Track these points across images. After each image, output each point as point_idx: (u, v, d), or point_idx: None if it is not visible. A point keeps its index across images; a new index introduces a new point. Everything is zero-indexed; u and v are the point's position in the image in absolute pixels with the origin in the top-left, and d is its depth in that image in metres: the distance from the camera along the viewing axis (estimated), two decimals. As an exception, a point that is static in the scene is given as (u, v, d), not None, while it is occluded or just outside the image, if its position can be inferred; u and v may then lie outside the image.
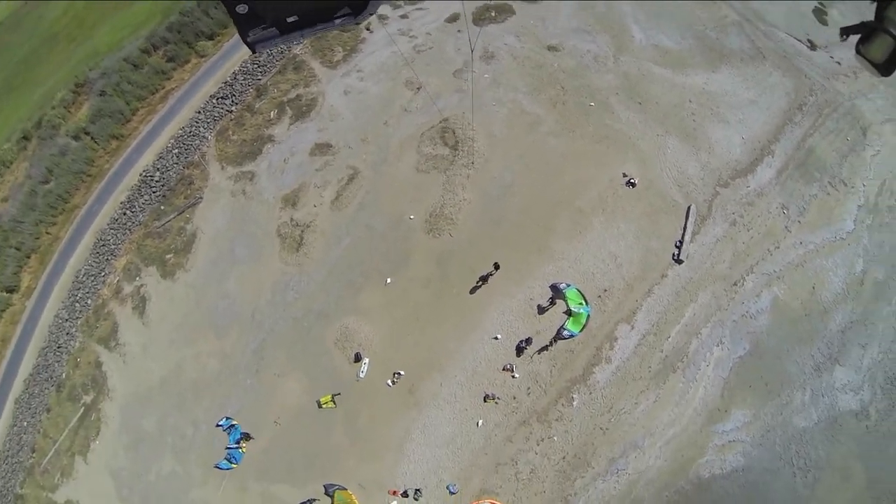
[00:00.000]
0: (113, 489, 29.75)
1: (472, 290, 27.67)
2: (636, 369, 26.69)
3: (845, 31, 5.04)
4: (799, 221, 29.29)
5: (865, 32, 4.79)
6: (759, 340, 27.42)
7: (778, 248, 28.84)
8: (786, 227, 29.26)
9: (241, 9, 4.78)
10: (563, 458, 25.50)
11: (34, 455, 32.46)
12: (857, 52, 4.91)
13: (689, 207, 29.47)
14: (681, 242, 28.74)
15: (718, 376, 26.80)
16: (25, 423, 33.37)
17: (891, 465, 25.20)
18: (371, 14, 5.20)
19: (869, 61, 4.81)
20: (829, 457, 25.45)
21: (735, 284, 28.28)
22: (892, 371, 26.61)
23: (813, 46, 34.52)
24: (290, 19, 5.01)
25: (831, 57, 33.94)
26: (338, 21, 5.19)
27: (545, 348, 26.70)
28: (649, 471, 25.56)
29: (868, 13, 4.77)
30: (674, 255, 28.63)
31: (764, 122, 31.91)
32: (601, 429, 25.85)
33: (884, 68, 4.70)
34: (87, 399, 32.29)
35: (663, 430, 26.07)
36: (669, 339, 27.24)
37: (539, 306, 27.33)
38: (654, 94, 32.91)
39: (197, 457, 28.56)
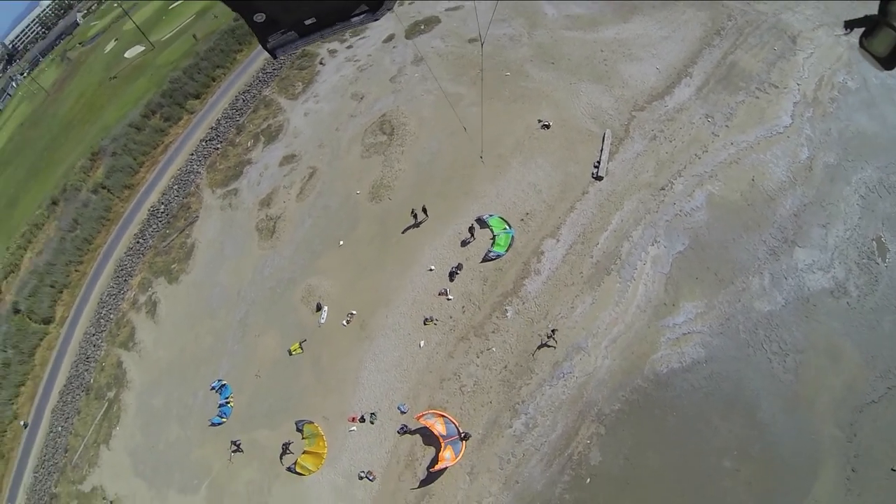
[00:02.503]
0: (130, 466, 32.38)
1: (404, 231, 30.87)
2: (567, 276, 27.75)
3: (849, 25, 4.87)
4: (727, 126, 30.26)
5: (869, 26, 4.67)
6: (698, 234, 27.40)
7: (706, 151, 29.67)
8: (712, 132, 30.25)
9: (259, 17, 4.77)
10: (505, 367, 26.46)
11: (66, 454, 35.75)
12: (861, 45, 4.78)
13: (605, 133, 31.42)
14: (598, 162, 30.51)
15: (659, 272, 26.86)
16: (60, 428, 37.02)
17: (888, 341, 23.83)
18: (388, 10, 5.12)
19: (872, 55, 4.68)
20: (809, 338, 24.36)
21: (663, 189, 29.10)
22: (867, 247, 25.76)
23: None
24: (307, 22, 4.96)
25: None
26: (356, 20, 5.11)
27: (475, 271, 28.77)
28: (598, 372, 25.49)
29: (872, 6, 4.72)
30: (593, 173, 30.32)
31: (679, 51, 33.82)
32: (539, 335, 26.56)
33: (887, 62, 4.53)
34: (111, 395, 36.01)
35: (606, 330, 26.15)
36: (598, 246, 28.15)
37: (462, 241, 29.86)
38: (566, 53, 36.02)
39: (196, 421, 31.47)
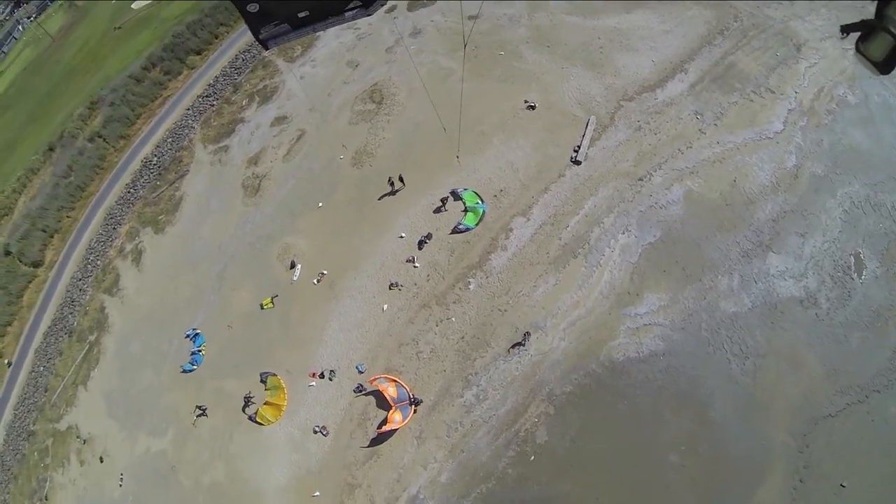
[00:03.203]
0: (105, 408, 33.25)
1: (381, 197, 31.14)
2: (533, 255, 27.93)
3: (845, 29, 4.85)
4: (715, 125, 30.00)
5: (865, 30, 4.63)
6: (671, 228, 27.27)
7: (690, 147, 29.44)
8: (699, 129, 29.97)
9: (252, 7, 4.74)
10: (462, 338, 26.94)
11: (46, 394, 36.56)
12: (857, 49, 4.71)
13: (589, 119, 31.20)
14: (578, 147, 30.37)
15: (626, 261, 26.89)
16: (42, 368, 37.80)
17: (853, 357, 23.79)
18: (381, 6, 5.14)
19: (868, 59, 4.62)
20: (772, 344, 24.34)
21: (641, 180, 28.97)
22: (843, 261, 25.64)
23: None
24: (301, 15, 4.94)
25: None
26: (349, 14, 5.10)
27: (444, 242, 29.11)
28: (554, 352, 25.71)
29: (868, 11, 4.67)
30: (572, 157, 30.22)
31: (677, 46, 33.22)
32: (499, 310, 27.07)
33: (883, 66, 4.49)
34: (92, 338, 36.87)
35: (566, 312, 26.29)
36: (568, 229, 28.23)
37: (435, 209, 30.11)
38: (562, 38, 35.55)
39: (169, 368, 32.39)
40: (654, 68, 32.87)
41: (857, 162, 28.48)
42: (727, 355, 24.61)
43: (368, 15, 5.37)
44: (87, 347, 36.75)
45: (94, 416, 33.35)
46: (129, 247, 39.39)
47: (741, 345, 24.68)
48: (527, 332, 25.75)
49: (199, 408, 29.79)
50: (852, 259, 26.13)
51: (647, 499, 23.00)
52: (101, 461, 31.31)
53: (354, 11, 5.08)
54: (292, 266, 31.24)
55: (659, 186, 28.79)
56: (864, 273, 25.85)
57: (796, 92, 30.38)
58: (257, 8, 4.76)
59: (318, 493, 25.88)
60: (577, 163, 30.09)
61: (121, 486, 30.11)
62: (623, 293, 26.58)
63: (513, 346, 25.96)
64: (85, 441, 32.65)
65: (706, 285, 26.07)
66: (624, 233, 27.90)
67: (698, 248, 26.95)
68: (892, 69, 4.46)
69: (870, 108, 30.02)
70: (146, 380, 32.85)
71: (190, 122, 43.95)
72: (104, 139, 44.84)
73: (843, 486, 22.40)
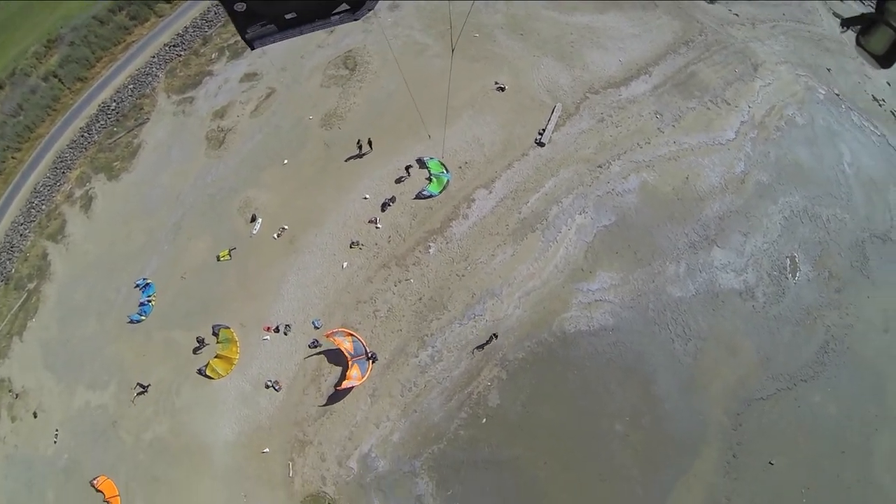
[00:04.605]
0: (41, 359, 30.87)
1: (347, 159, 30.47)
2: (493, 226, 28.38)
3: (846, 23, 4.81)
4: (673, 126, 31.15)
5: (866, 24, 4.60)
6: (626, 214, 28.32)
7: (649, 143, 30.50)
8: (658, 128, 31.06)
9: (239, 7, 4.57)
10: (420, 299, 27.05)
11: (-26, 346, 33.58)
12: (858, 43, 4.69)
13: (556, 105, 31.73)
14: (543, 130, 30.91)
15: (581, 240, 27.79)
16: (-29, 320, 34.80)
17: (784, 348, 25.69)
18: (369, 10, 4.95)
19: (869, 53, 4.60)
20: (713, 330, 25.85)
21: (600, 167, 29.81)
22: (780, 262, 27.39)
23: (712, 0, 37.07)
24: (288, 16, 4.84)
25: (730, 10, 36.76)
26: (335, 18, 4.98)
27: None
28: (508, 319, 26.31)
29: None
30: (536, 139, 30.70)
31: (644, 50, 34.22)
32: (457, 275, 27.38)
33: (884, 60, 4.47)
34: (31, 286, 34.31)
35: (522, 282, 26.95)
36: (528, 204, 28.78)
37: (398, 179, 29.84)
38: (536, 29, 35.82)
39: (116, 317, 30.56)
40: (620, 67, 33.81)
41: (799, 176, 30.50)
42: (671, 335, 25.94)
43: (356, 19, 5.20)
44: (24, 296, 34.14)
45: (29, 368, 31.05)
46: (78, 192, 36.84)
47: (684, 327, 26.06)
48: (494, 335, 25.79)
49: (141, 385, 27.88)
50: (788, 261, 28.18)
51: (593, 466, 24.04)
52: (35, 416, 29.27)
53: (341, 15, 4.96)
54: (253, 219, 30.11)
55: (616, 175, 29.77)
56: (797, 275, 27.96)
57: (749, 106, 32.07)
58: (244, 7, 4.60)
59: (267, 450, 25.36)
60: (542, 145, 30.70)
61: (55, 443, 28.25)
62: (577, 269, 27.37)
63: (477, 348, 25.97)
64: (17, 395, 30.33)
65: (655, 270, 27.29)
66: (581, 214, 28.69)
67: (650, 234, 28.12)
68: (893, 63, 4.47)
69: (815, 131, 32.22)
70: (89, 330, 30.92)
71: (154, 70, 41.37)
72: (59, 79, 41.62)
73: (772, 464, 24.32)
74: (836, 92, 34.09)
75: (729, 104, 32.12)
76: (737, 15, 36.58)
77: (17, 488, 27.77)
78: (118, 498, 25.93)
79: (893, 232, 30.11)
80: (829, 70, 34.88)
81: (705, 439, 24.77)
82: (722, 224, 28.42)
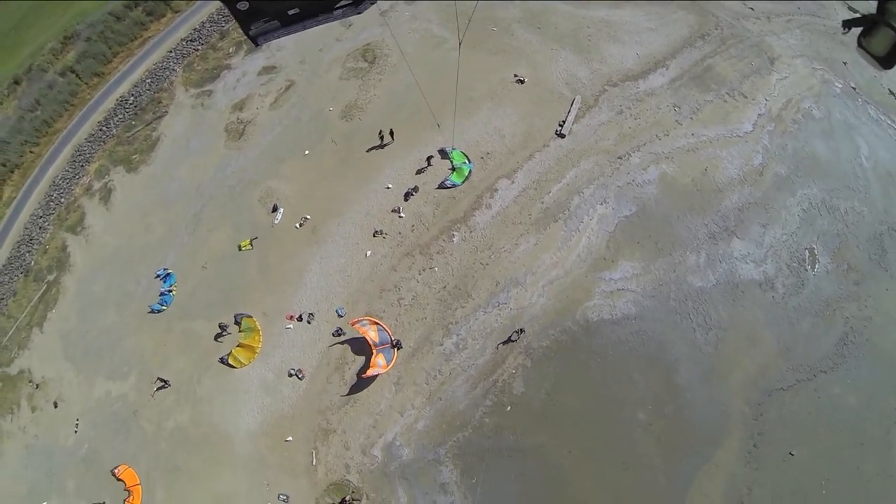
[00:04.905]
0: (61, 350, 30.79)
1: (369, 150, 30.43)
2: (516, 215, 28.36)
3: (847, 24, 4.70)
4: (691, 118, 31.14)
5: (867, 25, 4.53)
6: (646, 205, 28.37)
7: (667, 135, 30.52)
8: (676, 120, 31.08)
9: (242, 5, 4.57)
10: (444, 287, 27.00)
11: (-4, 337, 33.55)
12: (859, 44, 4.63)
13: (575, 98, 31.77)
14: (563, 122, 30.94)
15: (603, 230, 27.83)
16: (-8, 310, 34.73)
17: (804, 339, 25.54)
18: (371, 4, 4.96)
19: (870, 54, 4.55)
20: (733, 320, 25.79)
21: (620, 158, 29.85)
22: (799, 253, 27.35)
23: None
24: (291, 12, 4.81)
25: (745, 4, 36.68)
26: (338, 12, 4.95)
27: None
28: (532, 307, 26.30)
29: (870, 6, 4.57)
30: (556, 131, 30.74)
31: (661, 44, 34.24)
32: (481, 263, 27.36)
33: (885, 61, 4.42)
34: (51, 278, 34.23)
35: (546, 271, 26.96)
36: (550, 194, 28.83)
37: (419, 170, 29.85)
38: (553, 22, 35.84)
39: (136, 308, 30.49)
40: (637, 60, 33.79)
41: (816, 169, 30.44)
42: (692, 325, 25.86)
43: (359, 13, 5.21)
44: (44, 287, 34.08)
45: (50, 359, 30.96)
46: (97, 185, 36.81)
47: (705, 317, 25.98)
48: (520, 329, 25.68)
49: (161, 379, 27.71)
50: (807, 253, 28.10)
51: (616, 454, 23.92)
52: (56, 406, 29.16)
53: (344, 10, 4.94)
54: (274, 209, 30.06)
55: (636, 166, 29.78)
56: (816, 266, 27.87)
57: (766, 99, 32.04)
58: (247, 6, 4.60)
59: (290, 438, 25.26)
60: (562, 136, 30.69)
61: (76, 432, 28.13)
62: (599, 258, 27.38)
63: (503, 343, 25.80)
64: (38, 386, 30.23)
65: (676, 260, 27.26)
66: (602, 204, 28.71)
67: (670, 225, 28.11)
68: (894, 64, 4.41)
69: (831, 124, 32.14)
70: (108, 321, 30.82)
71: (172, 64, 41.42)
72: (77, 74, 41.66)
73: (792, 455, 24.14)
74: (853, 85, 34.09)
75: (746, 97, 32.15)
76: (752, 9, 36.62)
77: (37, 478, 27.65)
78: (139, 487, 25.84)
79: (911, 226, 30.01)
80: (845, 64, 34.88)
81: (727, 429, 24.65)
82: (741, 215, 28.41)
